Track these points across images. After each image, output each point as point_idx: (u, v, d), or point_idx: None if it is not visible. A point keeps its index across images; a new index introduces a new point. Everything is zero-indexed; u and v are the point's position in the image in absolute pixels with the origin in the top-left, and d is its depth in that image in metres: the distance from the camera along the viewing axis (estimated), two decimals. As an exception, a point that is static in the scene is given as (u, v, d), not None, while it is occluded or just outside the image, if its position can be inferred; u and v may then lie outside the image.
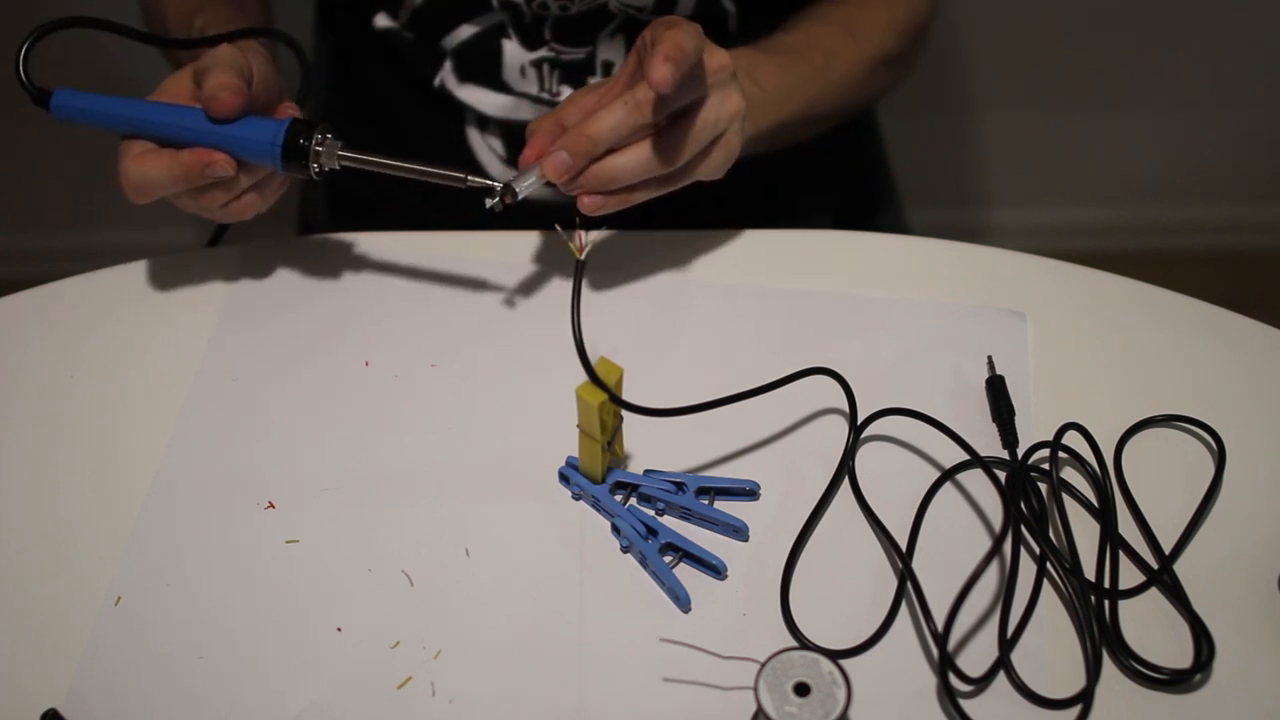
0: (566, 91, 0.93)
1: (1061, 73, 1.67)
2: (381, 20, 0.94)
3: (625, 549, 0.69)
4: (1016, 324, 0.80)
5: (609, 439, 0.69)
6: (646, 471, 0.72)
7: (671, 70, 0.66)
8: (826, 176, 1.08)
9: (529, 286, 0.82)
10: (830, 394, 0.75)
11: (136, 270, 0.84)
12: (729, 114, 0.74)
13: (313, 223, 1.13)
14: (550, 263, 0.84)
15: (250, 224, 0.79)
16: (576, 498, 0.72)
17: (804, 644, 0.66)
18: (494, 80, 0.93)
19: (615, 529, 0.70)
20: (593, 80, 0.93)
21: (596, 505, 0.71)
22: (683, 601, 0.67)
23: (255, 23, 0.90)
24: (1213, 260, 1.77)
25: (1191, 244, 1.80)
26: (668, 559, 0.69)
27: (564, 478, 0.72)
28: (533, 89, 0.94)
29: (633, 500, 0.71)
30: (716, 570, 0.68)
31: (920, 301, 0.82)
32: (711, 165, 0.76)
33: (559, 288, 0.82)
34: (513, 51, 0.91)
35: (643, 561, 0.69)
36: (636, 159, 0.71)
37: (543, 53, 0.91)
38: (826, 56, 0.88)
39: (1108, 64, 1.65)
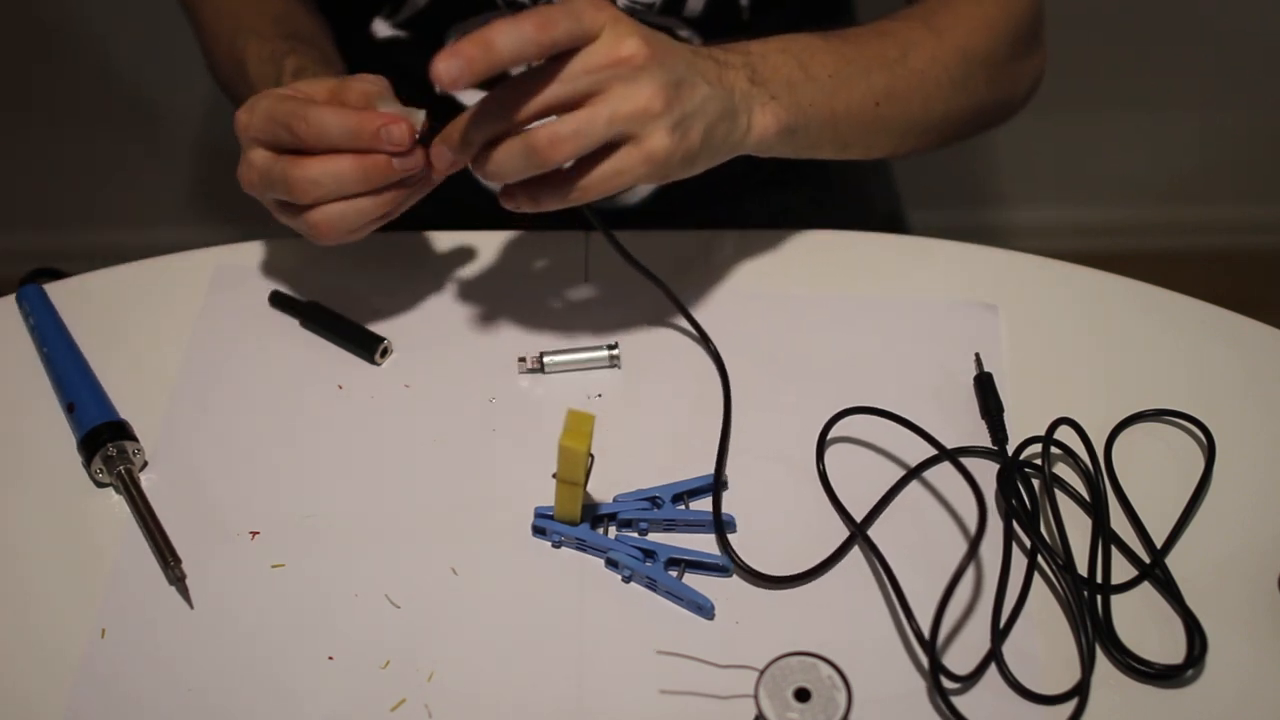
0: None
1: (1062, 73, 1.66)
2: (381, 28, 0.94)
3: (628, 579, 0.68)
4: (989, 317, 0.80)
5: (586, 481, 0.68)
6: (616, 498, 0.71)
7: (456, 69, 0.63)
8: (826, 176, 1.08)
9: (509, 308, 0.81)
10: (792, 393, 0.76)
11: (126, 273, 0.83)
12: (629, 112, 0.66)
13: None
14: (539, 278, 0.84)
15: (235, 231, 0.78)
16: (557, 546, 0.70)
17: (745, 568, 0.67)
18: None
19: (611, 563, 0.69)
20: None
21: (582, 546, 0.69)
22: (706, 610, 0.67)
23: (336, 71, 0.86)
24: (1212, 260, 1.77)
25: (1191, 244, 1.80)
26: (672, 573, 0.68)
27: (539, 530, 0.70)
28: None
29: (613, 530, 0.70)
30: (723, 570, 0.68)
31: (894, 298, 0.82)
32: (617, 167, 0.67)
33: (537, 316, 0.81)
34: None
35: (651, 585, 0.68)
36: (507, 153, 0.67)
37: None
38: (903, 48, 0.81)
39: (1108, 64, 1.65)
